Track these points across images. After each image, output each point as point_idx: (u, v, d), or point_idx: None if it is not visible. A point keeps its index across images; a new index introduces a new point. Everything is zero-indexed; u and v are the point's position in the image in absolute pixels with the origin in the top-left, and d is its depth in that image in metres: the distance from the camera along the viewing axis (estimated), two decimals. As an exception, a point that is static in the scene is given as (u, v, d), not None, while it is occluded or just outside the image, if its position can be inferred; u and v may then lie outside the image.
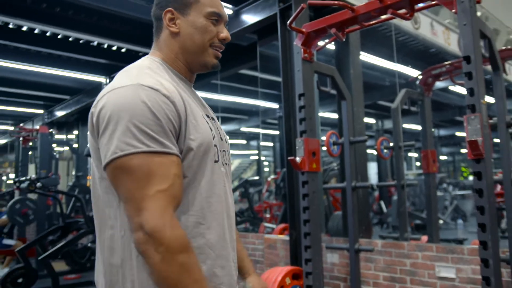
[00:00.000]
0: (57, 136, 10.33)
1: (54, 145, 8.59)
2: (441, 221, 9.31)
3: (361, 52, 6.10)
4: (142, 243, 0.93)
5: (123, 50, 6.36)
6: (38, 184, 4.97)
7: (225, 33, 1.24)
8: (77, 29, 5.49)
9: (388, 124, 13.02)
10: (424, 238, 4.48)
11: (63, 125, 10.40)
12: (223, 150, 1.22)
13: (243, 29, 4.75)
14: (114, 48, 6.29)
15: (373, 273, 3.78)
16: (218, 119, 1.31)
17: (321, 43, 3.28)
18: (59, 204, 5.54)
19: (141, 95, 1.00)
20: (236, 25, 4.81)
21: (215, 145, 1.15)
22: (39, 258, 4.74)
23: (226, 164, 1.22)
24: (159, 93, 1.03)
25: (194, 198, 1.10)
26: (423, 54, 6.42)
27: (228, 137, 1.31)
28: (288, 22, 2.98)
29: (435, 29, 5.63)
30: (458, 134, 15.71)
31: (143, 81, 1.04)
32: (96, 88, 7.81)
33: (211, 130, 1.16)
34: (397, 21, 2.97)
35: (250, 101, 9.48)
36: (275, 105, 10.18)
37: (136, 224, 0.94)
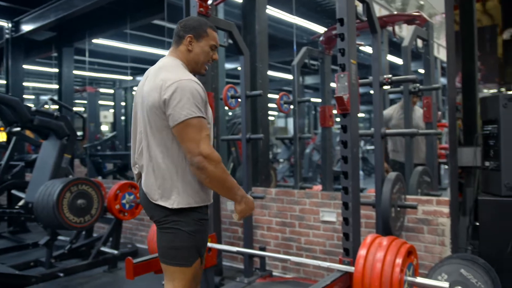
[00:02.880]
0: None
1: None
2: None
3: (279, 11, 6.18)
4: (202, 162, 1.74)
5: (27, -7, 5.96)
6: None
7: (216, 56, 2.04)
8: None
9: (308, 80, 13.39)
10: (317, 187, 4.83)
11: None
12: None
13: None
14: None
15: (267, 218, 4.08)
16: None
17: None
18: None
19: (195, 85, 1.79)
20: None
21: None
22: None
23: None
24: (200, 85, 1.82)
25: None
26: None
27: None
28: (182, -26, 2.97)
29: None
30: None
31: (191, 77, 1.84)
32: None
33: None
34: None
35: (162, 52, 9.25)
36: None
37: (196, 152, 1.74)
